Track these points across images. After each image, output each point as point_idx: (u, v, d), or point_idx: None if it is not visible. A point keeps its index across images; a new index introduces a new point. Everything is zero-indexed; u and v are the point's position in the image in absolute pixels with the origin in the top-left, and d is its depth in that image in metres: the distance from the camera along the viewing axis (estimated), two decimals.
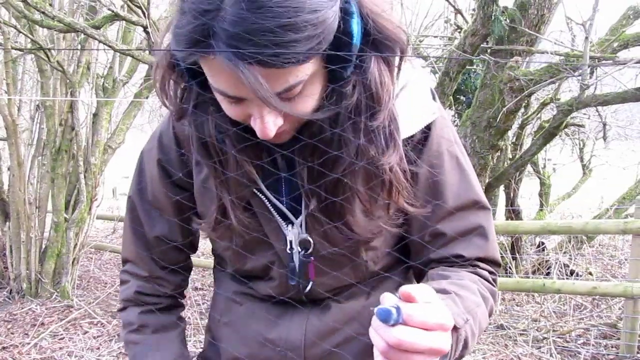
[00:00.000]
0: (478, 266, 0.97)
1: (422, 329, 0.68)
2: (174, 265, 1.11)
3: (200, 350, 1.20)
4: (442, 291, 0.83)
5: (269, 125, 0.77)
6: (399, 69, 0.84)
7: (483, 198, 0.98)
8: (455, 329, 0.77)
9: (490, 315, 0.95)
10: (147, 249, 1.10)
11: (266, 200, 0.92)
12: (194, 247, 1.14)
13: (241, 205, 0.91)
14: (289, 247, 0.93)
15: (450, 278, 0.91)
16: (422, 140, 0.93)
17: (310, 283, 0.96)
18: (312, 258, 0.94)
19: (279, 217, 0.93)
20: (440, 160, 0.94)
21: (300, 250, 0.93)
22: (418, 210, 0.92)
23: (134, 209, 1.09)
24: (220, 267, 1.15)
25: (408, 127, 0.89)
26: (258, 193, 0.92)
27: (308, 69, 0.73)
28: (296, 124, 0.83)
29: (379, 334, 0.70)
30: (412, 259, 1.02)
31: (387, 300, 0.71)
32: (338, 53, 0.75)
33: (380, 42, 0.79)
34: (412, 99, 0.89)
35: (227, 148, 0.85)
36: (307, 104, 0.78)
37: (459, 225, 0.95)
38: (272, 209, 0.93)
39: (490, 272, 0.98)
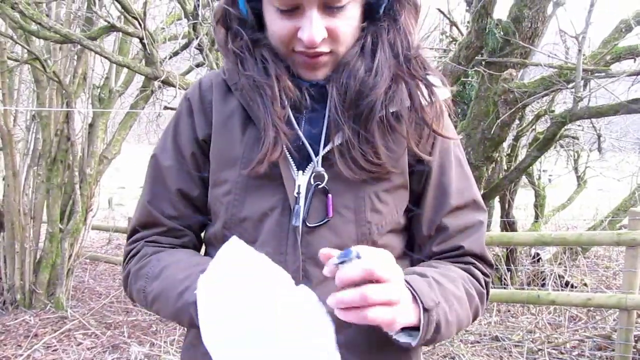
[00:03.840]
0: (474, 264, 1.03)
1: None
2: (188, 223, 1.07)
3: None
4: (421, 274, 0.91)
5: (317, 27, 0.89)
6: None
7: (480, 198, 1.06)
8: (426, 310, 0.85)
9: (475, 316, 1.00)
10: (166, 204, 1.05)
11: (285, 143, 0.96)
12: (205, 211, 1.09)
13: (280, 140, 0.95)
14: (296, 190, 0.95)
15: (438, 268, 0.97)
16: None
17: (326, 220, 0.95)
18: (329, 195, 0.95)
19: (292, 161, 0.97)
20: (448, 158, 1.03)
21: (312, 183, 0.95)
22: (424, 157, 0.99)
23: (156, 164, 1.07)
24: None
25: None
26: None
27: None
28: (334, 56, 0.94)
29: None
30: (415, 250, 1.07)
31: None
32: None
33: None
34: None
35: (269, 85, 0.95)
36: (348, 25, 0.92)
37: (460, 222, 1.02)
38: (287, 153, 0.96)
39: (484, 274, 1.04)
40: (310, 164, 0.96)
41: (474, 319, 1.01)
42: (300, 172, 0.96)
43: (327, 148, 0.96)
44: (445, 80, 1.02)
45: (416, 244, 1.06)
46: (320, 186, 0.95)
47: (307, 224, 0.95)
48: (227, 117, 1.02)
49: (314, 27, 0.88)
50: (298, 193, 0.95)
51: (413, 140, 0.97)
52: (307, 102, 0.97)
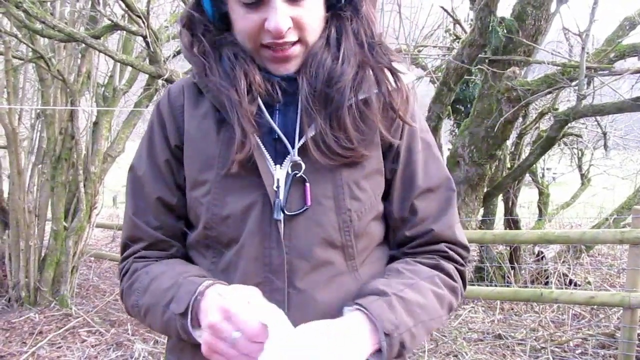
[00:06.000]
0: (445, 253, 1.04)
1: None
2: (173, 232, 1.07)
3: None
4: (382, 292, 0.93)
5: (282, 16, 0.90)
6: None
7: (451, 180, 1.09)
8: (386, 335, 0.88)
9: (449, 311, 1.03)
10: (149, 215, 1.05)
11: (259, 140, 0.97)
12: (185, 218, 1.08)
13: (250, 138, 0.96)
14: (275, 184, 0.96)
15: (403, 275, 0.99)
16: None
17: (305, 208, 0.96)
18: (307, 184, 0.96)
19: (268, 156, 0.97)
20: (415, 142, 1.06)
21: (290, 172, 0.96)
22: (393, 141, 1.02)
23: (134, 176, 1.07)
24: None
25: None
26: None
27: None
28: (304, 45, 0.96)
29: None
30: (389, 236, 1.09)
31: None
32: None
33: None
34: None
35: (239, 80, 0.95)
36: (312, 15, 0.95)
37: (429, 204, 1.05)
38: (263, 148, 0.97)
39: (457, 262, 1.06)
40: (287, 157, 0.97)
41: (449, 312, 1.04)
42: (278, 166, 0.97)
43: (303, 140, 0.97)
44: (409, 65, 1.05)
45: (390, 229, 1.08)
46: (298, 175, 0.96)
47: (285, 212, 0.95)
48: (200, 119, 1.02)
49: (279, 16, 0.90)
50: (277, 187, 0.95)
51: (383, 125, 0.99)
52: (279, 96, 0.98)
